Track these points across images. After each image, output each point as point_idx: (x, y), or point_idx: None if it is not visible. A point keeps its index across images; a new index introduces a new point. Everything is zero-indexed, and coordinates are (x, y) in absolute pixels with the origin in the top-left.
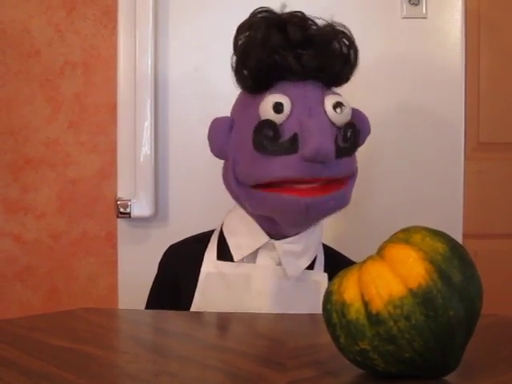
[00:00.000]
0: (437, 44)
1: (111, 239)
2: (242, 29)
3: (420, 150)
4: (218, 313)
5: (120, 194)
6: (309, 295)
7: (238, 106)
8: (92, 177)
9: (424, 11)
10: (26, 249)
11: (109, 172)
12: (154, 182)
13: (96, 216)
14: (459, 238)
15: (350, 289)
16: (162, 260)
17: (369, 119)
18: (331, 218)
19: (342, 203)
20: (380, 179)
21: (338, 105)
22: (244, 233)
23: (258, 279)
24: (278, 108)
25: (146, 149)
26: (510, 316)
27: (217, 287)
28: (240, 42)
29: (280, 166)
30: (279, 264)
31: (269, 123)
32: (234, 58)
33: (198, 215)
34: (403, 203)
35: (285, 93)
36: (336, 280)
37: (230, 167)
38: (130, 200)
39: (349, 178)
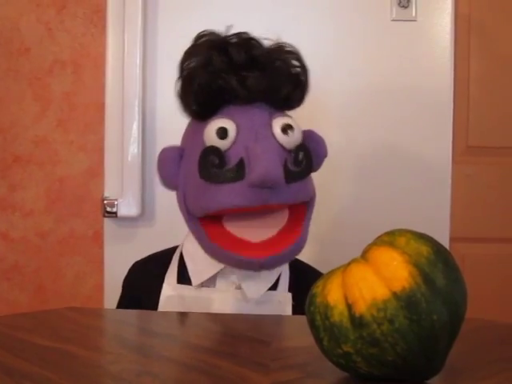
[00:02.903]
0: (426, 47)
1: (98, 238)
2: (186, 55)
3: (408, 153)
4: (202, 314)
5: (107, 194)
6: None
7: (187, 134)
8: (80, 176)
9: (413, 14)
10: (13, 247)
11: (96, 171)
12: (141, 182)
13: (83, 215)
14: (446, 242)
15: (334, 291)
16: (125, 279)
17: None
18: (315, 221)
19: (298, 252)
20: (367, 181)
21: (286, 127)
22: (202, 258)
23: (217, 303)
24: (221, 134)
25: (133, 148)
26: (496, 320)
27: (177, 310)
28: (184, 69)
29: (227, 194)
30: (239, 287)
31: (213, 150)
32: (179, 84)
33: None
34: (390, 206)
35: (230, 117)
36: (320, 282)
37: (182, 199)
38: (116, 199)
39: (303, 215)
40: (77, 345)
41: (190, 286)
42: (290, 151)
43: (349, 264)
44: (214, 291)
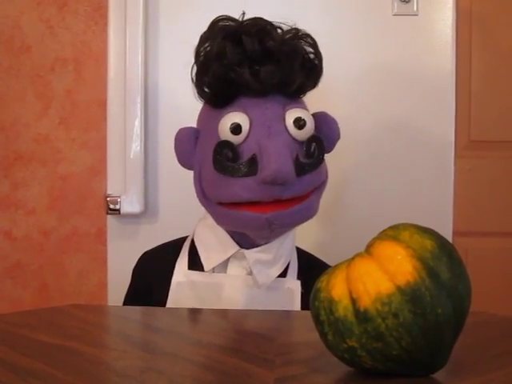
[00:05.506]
0: (427, 41)
1: (101, 236)
2: (202, 40)
3: (411, 147)
4: (207, 309)
5: (110, 191)
6: (281, 303)
7: (202, 116)
8: (82, 173)
9: (415, 9)
10: (16, 245)
11: (99, 168)
12: (144, 179)
13: (86, 212)
14: (449, 236)
15: (338, 286)
16: (135, 267)
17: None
18: (324, 212)
19: (307, 215)
20: (370, 176)
21: (298, 120)
22: (214, 243)
23: (228, 289)
24: (235, 130)
25: (135, 145)
26: (500, 314)
27: (188, 296)
28: (199, 55)
29: (240, 189)
30: (250, 273)
31: (227, 144)
32: (195, 70)
33: (187, 212)
34: (394, 200)
35: (244, 111)
36: (324, 277)
37: (197, 180)
38: (119, 196)
39: (314, 189)
40: (81, 342)
41: (201, 272)
42: (302, 143)
43: (353, 258)
44: (225, 277)
